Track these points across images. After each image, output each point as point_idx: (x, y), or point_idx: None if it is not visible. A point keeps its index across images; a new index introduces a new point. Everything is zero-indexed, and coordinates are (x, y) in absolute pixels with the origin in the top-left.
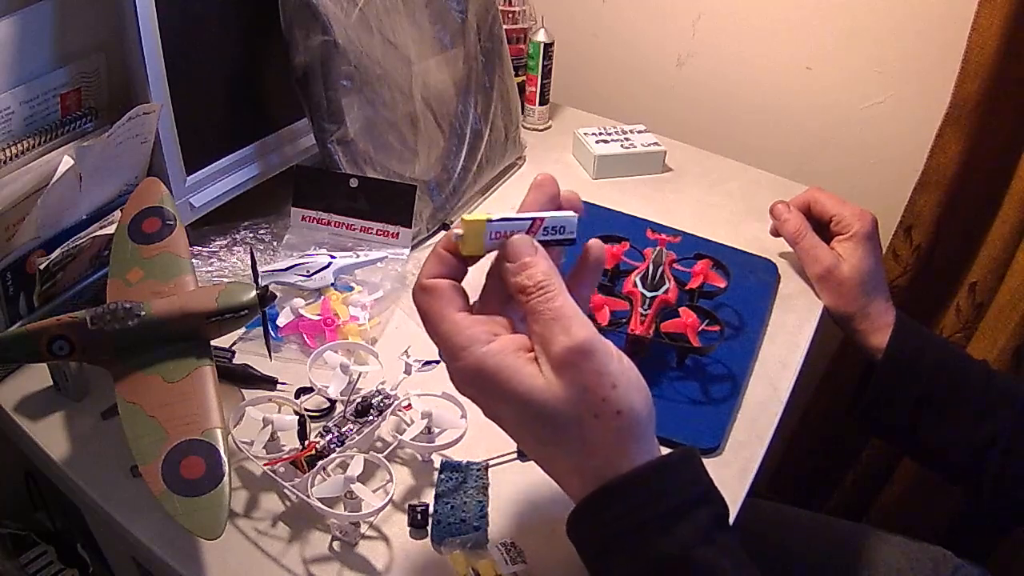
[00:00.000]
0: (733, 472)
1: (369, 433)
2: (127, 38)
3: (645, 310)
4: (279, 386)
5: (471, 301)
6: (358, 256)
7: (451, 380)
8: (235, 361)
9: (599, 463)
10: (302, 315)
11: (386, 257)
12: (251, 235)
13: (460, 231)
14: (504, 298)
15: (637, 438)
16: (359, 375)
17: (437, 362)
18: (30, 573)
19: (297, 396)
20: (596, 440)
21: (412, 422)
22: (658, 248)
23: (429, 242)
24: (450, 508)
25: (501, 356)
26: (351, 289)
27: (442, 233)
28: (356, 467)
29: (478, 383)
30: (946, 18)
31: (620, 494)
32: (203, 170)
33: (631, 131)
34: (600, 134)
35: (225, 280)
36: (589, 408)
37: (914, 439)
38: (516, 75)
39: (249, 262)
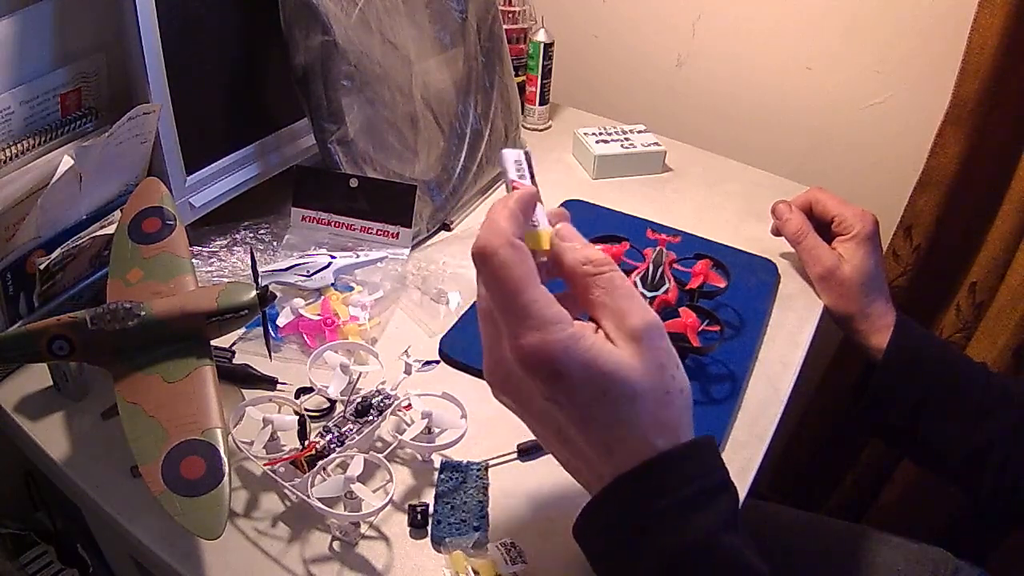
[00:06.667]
0: (733, 472)
1: (369, 433)
2: (127, 38)
3: None
4: (279, 386)
5: None
6: (358, 256)
7: (513, 354)
8: (235, 361)
9: (663, 441)
10: (302, 315)
11: (386, 257)
12: (251, 235)
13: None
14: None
15: (690, 419)
16: (359, 375)
17: (437, 362)
18: (30, 573)
19: (297, 396)
20: (666, 417)
21: (412, 422)
22: (658, 248)
23: (429, 242)
24: (450, 508)
25: (587, 338)
26: (351, 289)
27: (442, 233)
28: (356, 467)
29: (557, 362)
30: (946, 18)
31: (659, 472)
32: (203, 170)
33: (631, 131)
34: (600, 134)
35: (225, 280)
36: (662, 384)
37: (913, 440)
38: (516, 75)
39: (249, 262)
